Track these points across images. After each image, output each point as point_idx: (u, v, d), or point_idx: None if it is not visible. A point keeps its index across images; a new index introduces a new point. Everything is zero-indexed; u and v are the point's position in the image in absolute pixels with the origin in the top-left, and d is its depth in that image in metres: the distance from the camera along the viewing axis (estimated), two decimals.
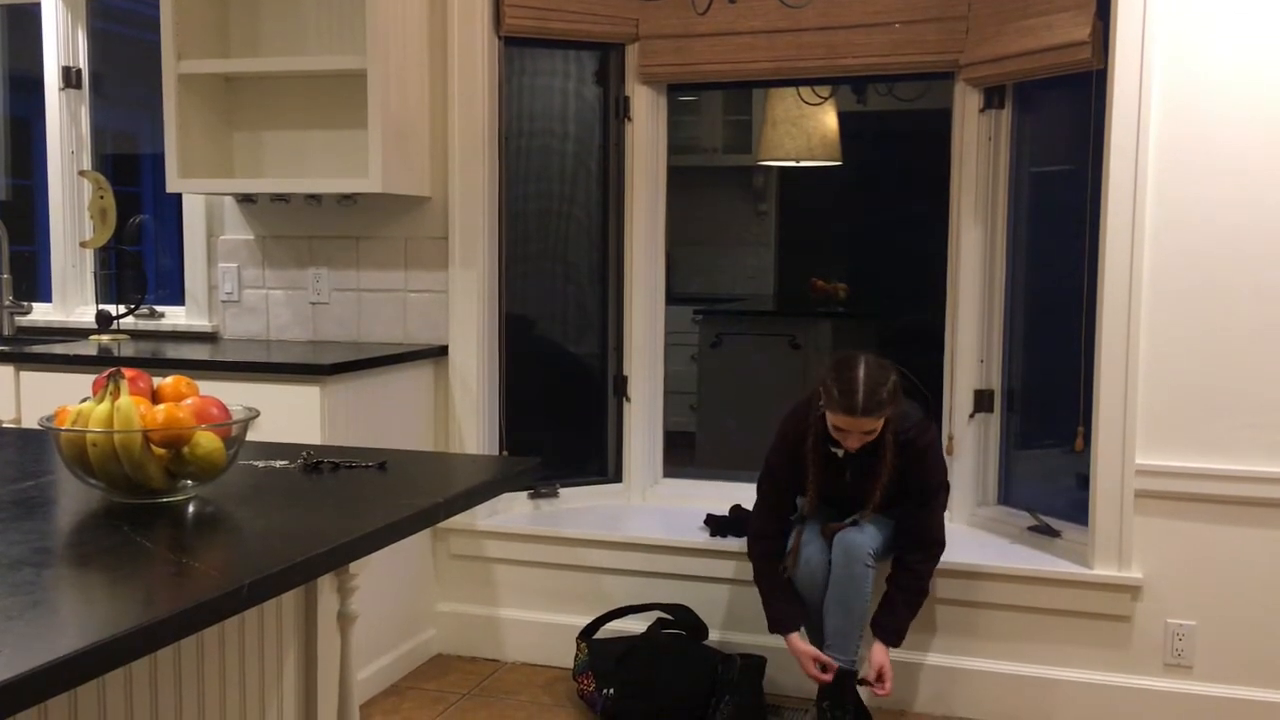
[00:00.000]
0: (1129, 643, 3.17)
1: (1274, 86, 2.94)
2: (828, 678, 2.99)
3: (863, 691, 3.07)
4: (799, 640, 3.05)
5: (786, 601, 3.08)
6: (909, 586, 3.05)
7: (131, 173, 4.55)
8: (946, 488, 3.26)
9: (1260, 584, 3.06)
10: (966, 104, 3.53)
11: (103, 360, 3.42)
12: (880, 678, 3.01)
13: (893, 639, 3.03)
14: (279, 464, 1.94)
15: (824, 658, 3.00)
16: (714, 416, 5.58)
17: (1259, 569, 3.06)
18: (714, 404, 5.61)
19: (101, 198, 3.88)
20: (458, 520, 3.56)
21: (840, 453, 3.00)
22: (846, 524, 3.03)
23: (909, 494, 3.04)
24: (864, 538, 3.00)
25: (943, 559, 3.13)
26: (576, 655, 3.38)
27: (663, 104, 3.84)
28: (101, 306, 3.96)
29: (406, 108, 3.51)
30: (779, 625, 3.07)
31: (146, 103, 3.94)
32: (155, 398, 1.71)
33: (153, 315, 4.04)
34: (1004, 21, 3.33)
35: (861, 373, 2.86)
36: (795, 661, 3.07)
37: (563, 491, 3.88)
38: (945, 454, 3.59)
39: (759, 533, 3.17)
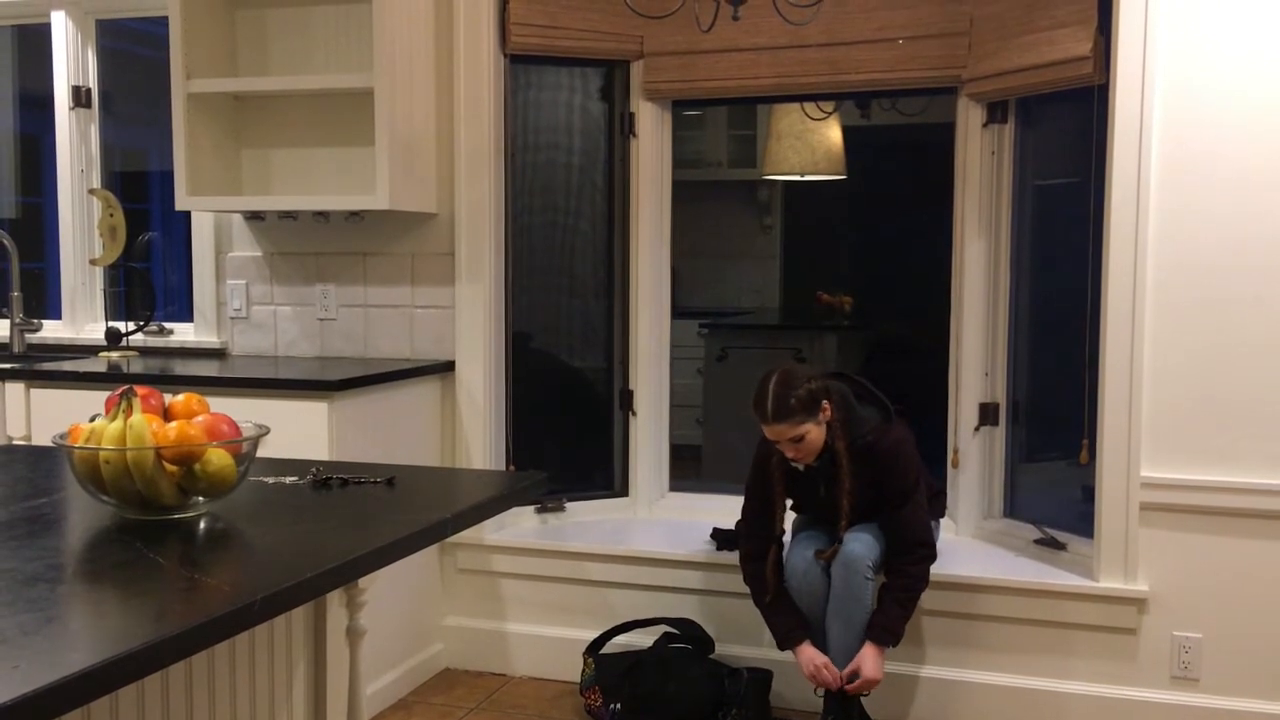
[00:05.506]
0: (1135, 655, 3.17)
1: (1275, 99, 2.95)
2: (831, 682, 2.99)
3: (864, 701, 3.07)
4: (810, 649, 3.04)
5: (787, 615, 3.08)
6: (898, 586, 3.04)
7: (140, 190, 4.59)
8: (931, 489, 3.24)
9: (1267, 596, 3.06)
10: (969, 118, 3.55)
11: (112, 377, 3.44)
12: (855, 677, 2.97)
13: (883, 636, 3.00)
14: (289, 480, 1.96)
15: (834, 668, 3.00)
16: (720, 430, 5.59)
17: (1265, 581, 3.06)
18: (720, 417, 5.62)
19: (111, 215, 3.91)
20: (465, 535, 3.56)
21: (801, 467, 3.03)
22: (835, 547, 3.03)
23: (887, 499, 3.05)
24: (863, 549, 3.00)
25: (948, 572, 3.13)
26: (583, 670, 3.39)
27: (667, 119, 3.86)
28: (111, 323, 3.98)
29: (413, 125, 3.53)
30: (787, 641, 3.08)
31: (155, 121, 3.97)
32: (167, 415, 1.73)
33: (161, 332, 4.07)
34: (1006, 37, 3.34)
35: (771, 382, 2.93)
36: (802, 676, 3.07)
37: (569, 506, 3.89)
38: (951, 466, 3.61)
39: (746, 555, 3.19)
